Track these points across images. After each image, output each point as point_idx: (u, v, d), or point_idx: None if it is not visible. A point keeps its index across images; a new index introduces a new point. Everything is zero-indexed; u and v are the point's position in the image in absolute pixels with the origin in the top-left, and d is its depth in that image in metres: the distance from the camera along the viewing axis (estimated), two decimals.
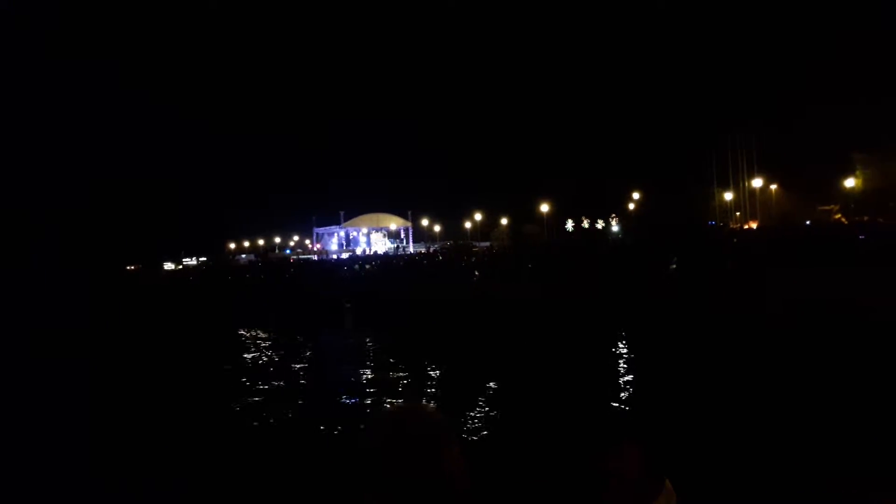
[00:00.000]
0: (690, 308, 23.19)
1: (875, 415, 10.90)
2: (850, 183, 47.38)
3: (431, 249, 61.93)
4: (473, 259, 45.62)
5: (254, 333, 29.07)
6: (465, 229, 74.50)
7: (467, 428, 11.90)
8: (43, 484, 9.88)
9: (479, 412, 13.22)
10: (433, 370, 18.38)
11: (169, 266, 78.49)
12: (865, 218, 40.44)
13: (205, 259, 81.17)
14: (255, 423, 13.53)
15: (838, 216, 45.70)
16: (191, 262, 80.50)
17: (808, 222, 43.73)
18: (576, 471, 1.92)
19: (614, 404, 12.76)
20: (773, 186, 55.67)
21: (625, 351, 19.58)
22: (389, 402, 14.61)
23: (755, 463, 9.43)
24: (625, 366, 17.48)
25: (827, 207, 48.83)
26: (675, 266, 31.66)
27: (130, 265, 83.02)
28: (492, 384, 15.71)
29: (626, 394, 13.99)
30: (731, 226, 51.05)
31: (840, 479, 8.01)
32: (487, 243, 63.33)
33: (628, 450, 1.89)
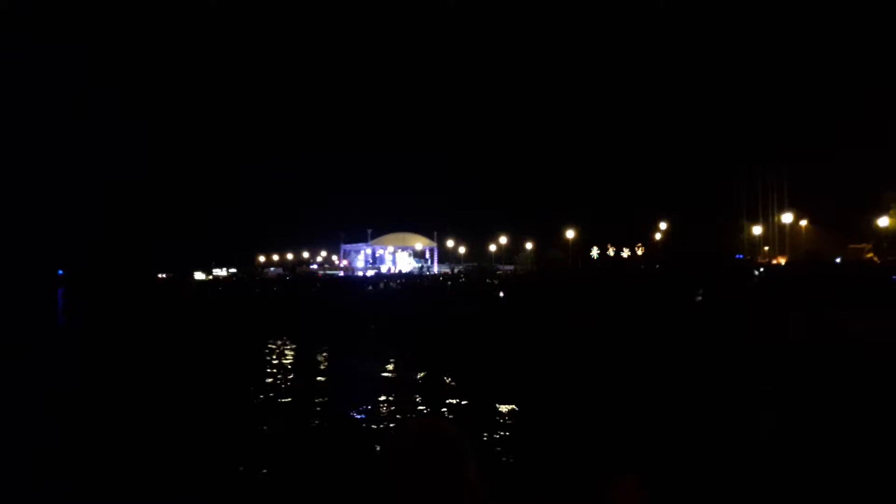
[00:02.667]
0: (714, 340, 23.12)
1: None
2: (883, 222, 46.70)
3: (455, 270, 62.25)
4: (497, 282, 45.83)
5: (279, 345, 29.62)
6: (490, 252, 74.70)
7: (480, 446, 12.08)
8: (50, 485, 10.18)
9: (489, 433, 13.42)
10: (451, 388, 18.62)
11: (199, 276, 79.89)
12: None
13: (234, 270, 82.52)
14: (273, 434, 13.84)
15: (870, 255, 45.00)
16: (221, 272, 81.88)
17: (837, 260, 43.15)
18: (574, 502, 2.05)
19: (621, 434, 12.85)
20: (804, 222, 55.06)
21: (642, 379, 19.61)
22: (408, 416, 14.88)
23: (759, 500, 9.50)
24: (639, 395, 17.54)
25: (858, 246, 48.09)
26: (700, 297, 31.54)
27: (161, 273, 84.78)
28: (504, 405, 15.90)
29: (636, 424, 14.08)
30: (760, 260, 50.53)
31: None
32: (511, 267, 63.43)
33: (627, 483, 1.87)
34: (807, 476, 10.12)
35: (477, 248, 76.94)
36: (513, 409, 15.62)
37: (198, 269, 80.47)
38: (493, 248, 74.79)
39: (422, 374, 20.90)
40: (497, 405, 15.85)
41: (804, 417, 14.16)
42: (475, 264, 67.70)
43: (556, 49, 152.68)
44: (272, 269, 79.89)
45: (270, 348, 28.48)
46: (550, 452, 11.76)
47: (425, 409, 16.26)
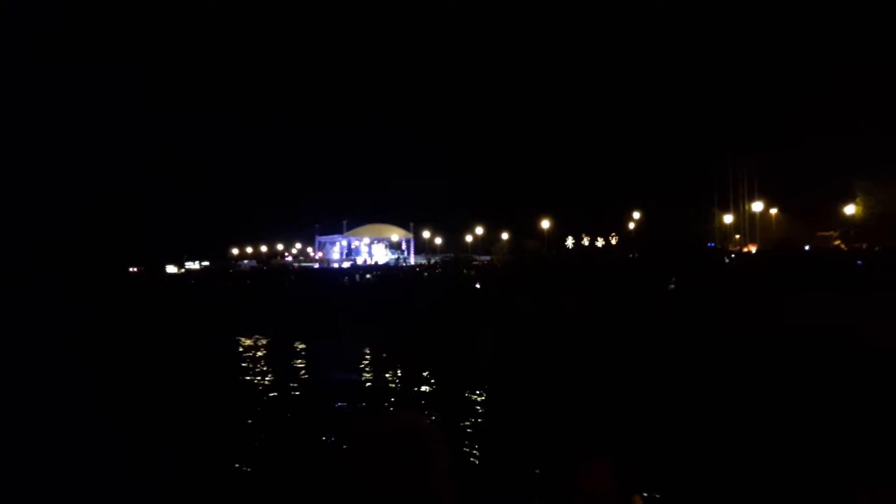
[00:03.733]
0: (686, 327, 23.42)
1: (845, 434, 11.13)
2: (850, 210, 47.67)
3: (432, 261, 62.16)
4: (473, 272, 45.88)
5: (253, 340, 29.28)
6: (466, 242, 74.75)
7: (453, 438, 12.07)
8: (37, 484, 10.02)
9: (464, 421, 13.43)
10: (425, 378, 18.59)
11: (171, 269, 78.67)
12: (864, 245, 40.69)
13: (207, 263, 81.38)
14: (244, 430, 13.70)
15: (837, 242, 45.94)
16: (193, 265, 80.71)
17: (807, 247, 43.99)
18: (546, 486, 2.02)
19: (593, 419, 12.95)
20: (774, 211, 55.99)
21: (615, 366, 19.80)
22: (377, 411, 14.81)
23: (729, 482, 9.62)
24: (612, 381, 17.68)
25: (826, 233, 49.07)
26: (673, 286, 31.92)
27: (132, 267, 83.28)
28: (479, 394, 15.92)
29: (608, 409, 14.19)
30: (731, 248, 51.32)
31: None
32: (488, 257, 63.57)
33: (599, 466, 1.87)
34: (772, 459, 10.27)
35: (453, 240, 76.93)
36: (488, 397, 15.64)
37: (169, 263, 79.22)
38: (469, 238, 74.85)
39: (398, 366, 20.84)
40: (473, 394, 15.85)
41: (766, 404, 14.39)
42: (452, 255, 67.69)
43: (528, 39, 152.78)
44: (246, 261, 78.90)
45: (244, 345, 28.15)
46: (523, 438, 11.81)
47: (400, 401, 16.19)
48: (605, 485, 1.81)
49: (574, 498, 1.81)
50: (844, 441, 10.96)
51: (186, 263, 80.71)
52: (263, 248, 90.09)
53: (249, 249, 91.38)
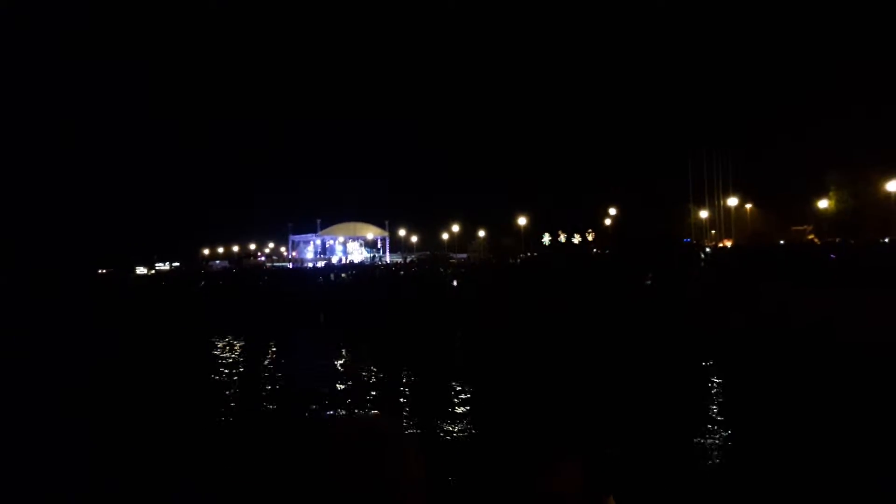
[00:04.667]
0: (663, 322, 23.23)
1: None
2: (823, 204, 48.13)
3: (408, 260, 61.60)
4: (450, 270, 45.42)
5: (227, 342, 28.49)
6: (443, 240, 74.33)
7: (427, 441, 11.66)
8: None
9: (438, 423, 12.98)
10: (398, 377, 18.13)
11: (141, 270, 77.06)
12: (837, 239, 41.02)
13: (178, 264, 79.88)
14: (212, 431, 13.14)
15: (811, 236, 46.32)
16: (164, 266, 79.15)
17: (781, 242, 44.27)
18: (510, 490, 1.69)
19: (565, 417, 12.60)
20: (749, 206, 56.39)
21: (589, 362, 19.46)
22: (349, 414, 14.34)
23: (706, 482, 9.31)
24: (585, 377, 17.30)
25: (800, 227, 49.52)
26: (650, 282, 31.77)
27: (102, 268, 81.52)
28: (454, 394, 15.48)
29: (579, 406, 13.83)
30: (707, 243, 51.54)
31: None
32: (465, 255, 63.21)
33: (568, 467, 1.74)
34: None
35: (429, 237, 76.53)
36: (463, 398, 15.20)
37: (139, 264, 77.61)
38: (445, 236, 74.42)
39: (373, 367, 20.29)
40: (447, 395, 15.38)
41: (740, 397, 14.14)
42: (428, 253, 67.22)
43: (505, 37, 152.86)
44: (217, 262, 77.55)
45: (216, 346, 27.33)
46: (494, 436, 11.47)
47: (374, 404, 15.71)
48: (574, 487, 1.70)
49: (541, 500, 1.70)
50: (815, 436, 10.74)
51: (156, 265, 79.17)
52: (235, 249, 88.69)
53: (221, 250, 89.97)
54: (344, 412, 14.73)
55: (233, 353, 25.30)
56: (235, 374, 20.48)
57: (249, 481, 9.84)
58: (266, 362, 22.89)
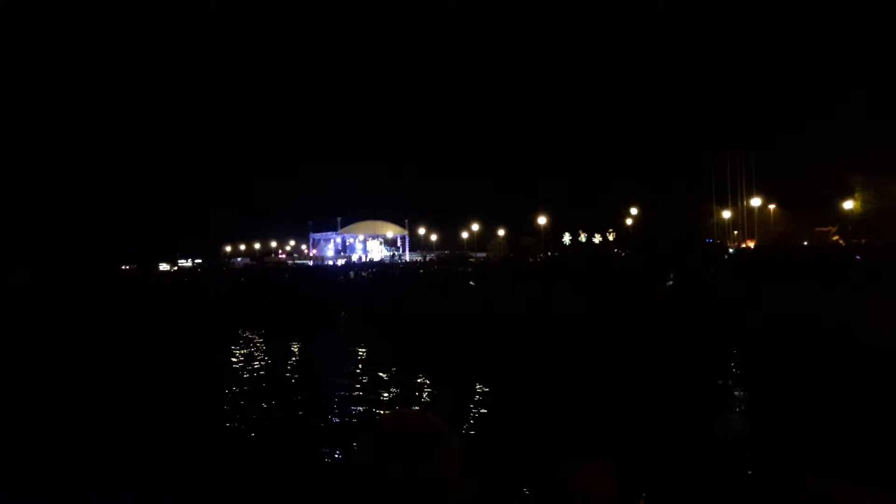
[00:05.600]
0: (684, 325, 23.10)
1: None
2: (848, 205, 47.46)
3: (427, 258, 61.78)
4: (469, 269, 45.48)
5: (248, 337, 28.85)
6: (462, 239, 74.34)
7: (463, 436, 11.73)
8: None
9: (463, 424, 13.08)
10: (424, 379, 18.24)
11: (164, 267, 78.11)
12: (863, 240, 40.42)
13: (200, 261, 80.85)
14: (249, 428, 13.34)
15: (836, 237, 45.68)
16: (186, 263, 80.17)
17: (805, 243, 43.73)
18: (542, 491, 1.79)
19: (593, 421, 12.62)
20: (772, 206, 55.73)
21: (613, 365, 19.44)
22: (385, 409, 14.45)
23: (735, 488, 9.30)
24: (610, 381, 17.30)
25: (824, 229, 48.82)
26: (671, 283, 31.60)
27: (125, 265, 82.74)
28: (478, 394, 15.57)
29: (607, 410, 13.85)
30: (729, 244, 51.04)
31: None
32: (484, 254, 63.20)
33: (598, 469, 1.80)
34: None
35: (449, 236, 76.58)
36: (486, 399, 15.29)
37: (163, 261, 78.68)
38: (465, 235, 74.45)
39: (395, 368, 20.45)
40: (471, 395, 15.49)
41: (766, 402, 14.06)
42: (447, 252, 67.31)
43: (525, 34, 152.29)
44: (239, 259, 78.36)
45: (239, 343, 27.68)
46: (522, 440, 11.51)
47: (402, 402, 15.84)
48: (605, 488, 1.75)
49: (573, 500, 1.75)
50: (836, 437, 10.69)
51: (179, 261, 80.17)
52: (257, 246, 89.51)
53: (243, 247, 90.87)
54: (373, 409, 14.91)
55: (253, 349, 25.62)
56: (259, 370, 20.76)
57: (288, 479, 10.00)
58: (289, 358, 23.16)
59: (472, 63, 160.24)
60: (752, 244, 49.51)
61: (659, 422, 12.46)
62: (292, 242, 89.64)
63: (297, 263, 68.33)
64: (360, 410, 14.91)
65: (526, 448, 10.84)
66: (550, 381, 16.87)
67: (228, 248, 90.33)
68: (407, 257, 70.66)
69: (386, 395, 16.67)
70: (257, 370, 21.04)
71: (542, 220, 65.19)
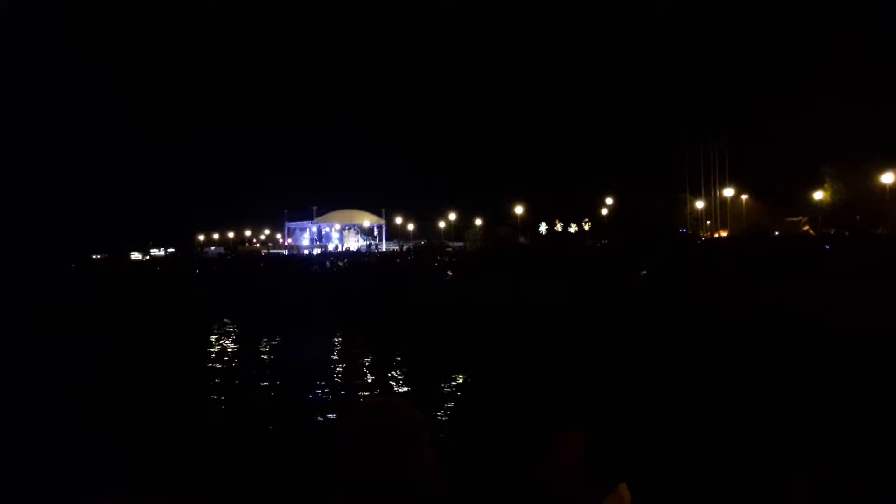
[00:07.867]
0: (658, 313, 23.30)
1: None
2: (818, 195, 48.27)
3: (404, 248, 61.62)
4: (447, 259, 45.45)
5: (224, 328, 28.49)
6: (439, 229, 74.24)
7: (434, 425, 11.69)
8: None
9: (439, 407, 13.05)
10: (398, 367, 18.18)
11: (136, 256, 76.80)
12: (833, 231, 41.18)
13: (172, 250, 79.64)
14: (222, 418, 13.16)
15: (806, 228, 46.46)
16: (159, 252, 78.91)
17: (776, 233, 44.42)
18: (516, 463, 1.73)
19: (568, 400, 12.67)
20: (745, 196, 56.47)
21: (586, 349, 19.49)
22: (359, 397, 14.36)
23: (716, 467, 9.36)
24: (587, 365, 17.32)
25: (795, 219, 49.62)
26: (646, 272, 31.85)
27: (96, 254, 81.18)
28: (453, 379, 15.55)
29: (584, 392, 13.89)
30: (702, 233, 51.66)
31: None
32: (461, 243, 63.22)
33: (571, 438, 1.76)
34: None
35: (426, 225, 76.38)
36: (462, 385, 15.27)
37: (134, 250, 77.32)
38: (442, 224, 74.34)
39: (371, 355, 20.35)
40: (447, 380, 15.45)
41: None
42: (424, 241, 67.22)
43: (499, 24, 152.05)
44: (213, 248, 77.30)
45: (211, 334, 27.30)
46: (497, 414, 11.54)
47: (376, 390, 15.75)
48: (578, 456, 1.72)
49: (545, 470, 1.72)
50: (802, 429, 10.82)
51: (151, 250, 78.90)
52: (231, 235, 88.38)
53: (216, 236, 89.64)
54: (349, 397, 14.80)
55: (227, 340, 25.30)
56: (232, 362, 20.50)
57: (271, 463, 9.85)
58: (263, 347, 22.91)
59: (449, 55, 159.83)
60: (724, 233, 50.15)
61: (629, 400, 12.50)
62: (267, 231, 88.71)
63: (272, 253, 67.64)
64: (331, 398, 14.80)
65: (502, 430, 10.83)
66: (528, 364, 16.91)
67: (202, 237, 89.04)
68: (384, 246, 70.39)
69: (359, 382, 16.58)
70: (228, 362, 20.75)
71: (518, 210, 65.38)
